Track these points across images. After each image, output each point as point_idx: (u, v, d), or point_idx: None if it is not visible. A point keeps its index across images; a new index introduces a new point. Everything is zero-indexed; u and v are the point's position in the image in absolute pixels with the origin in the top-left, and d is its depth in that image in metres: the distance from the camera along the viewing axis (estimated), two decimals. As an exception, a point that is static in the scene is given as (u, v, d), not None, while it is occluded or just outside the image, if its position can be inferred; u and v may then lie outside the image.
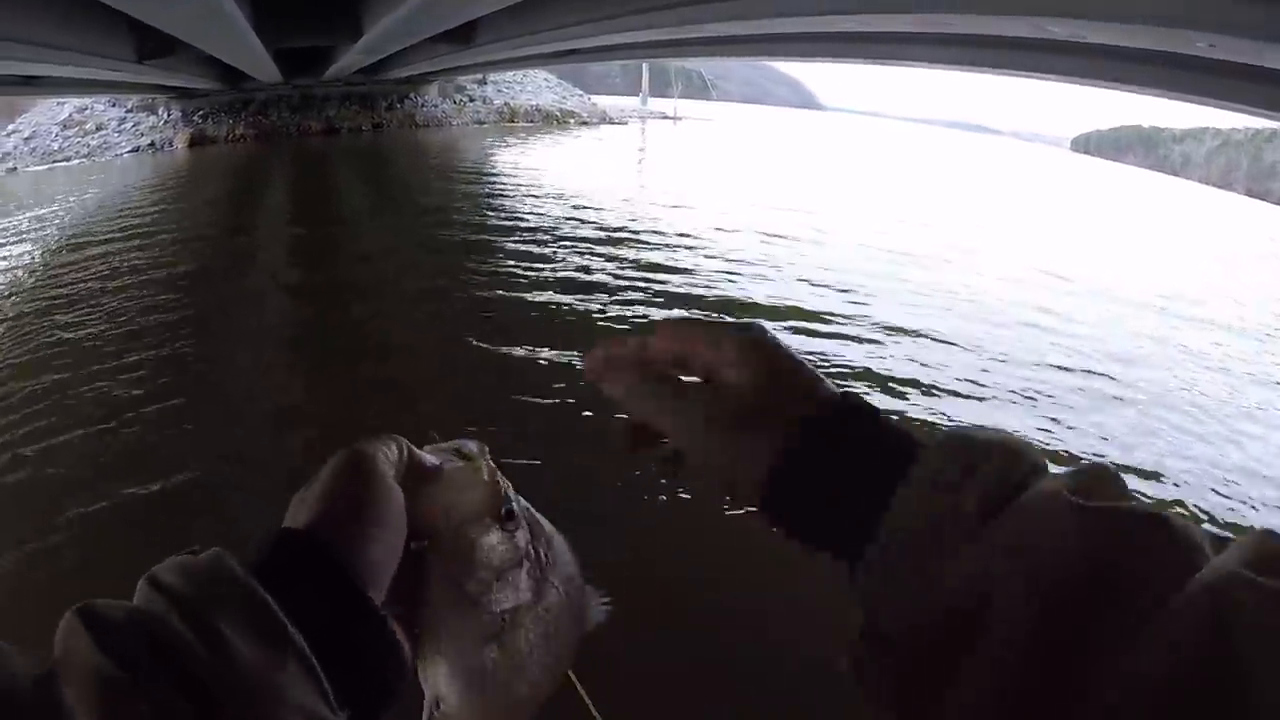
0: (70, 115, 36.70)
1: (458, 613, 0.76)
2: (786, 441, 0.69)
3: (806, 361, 0.74)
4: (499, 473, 0.80)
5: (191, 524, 5.90)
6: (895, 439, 0.68)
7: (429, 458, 0.78)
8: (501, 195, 20.03)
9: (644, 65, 56.35)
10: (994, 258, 15.68)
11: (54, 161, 34.02)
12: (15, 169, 33.08)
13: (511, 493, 0.80)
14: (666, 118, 56.58)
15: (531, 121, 42.69)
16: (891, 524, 0.64)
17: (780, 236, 15.72)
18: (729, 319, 0.77)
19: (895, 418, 0.71)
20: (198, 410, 8.07)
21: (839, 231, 16.37)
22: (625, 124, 46.31)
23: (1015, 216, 22.54)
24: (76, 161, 33.79)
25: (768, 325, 0.76)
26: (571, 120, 43.99)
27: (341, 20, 19.18)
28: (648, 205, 19.01)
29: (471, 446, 0.82)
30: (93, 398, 8.25)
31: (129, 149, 34.98)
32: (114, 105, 36.85)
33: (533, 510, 0.83)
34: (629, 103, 61.07)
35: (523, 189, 20.34)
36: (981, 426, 0.69)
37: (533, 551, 0.80)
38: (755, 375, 0.72)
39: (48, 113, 37.04)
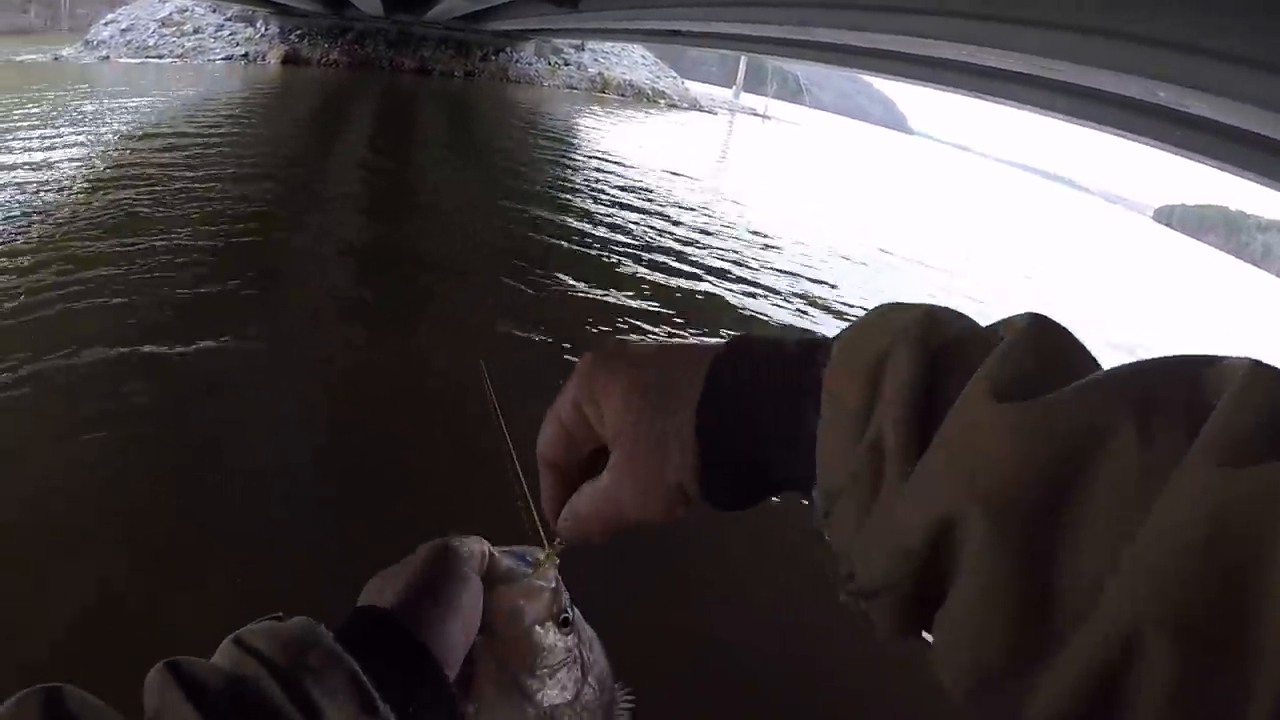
0: (170, 14, 37.52)
1: (511, 705, 0.79)
2: (696, 431, 0.62)
3: (664, 341, 0.71)
4: (560, 580, 0.82)
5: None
6: (796, 355, 0.61)
7: (506, 561, 0.80)
8: (582, 165, 19.92)
9: (742, 58, 56.16)
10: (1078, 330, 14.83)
11: (147, 56, 34.86)
12: (108, 57, 34.11)
13: (568, 600, 0.83)
14: (756, 114, 56.42)
15: (623, 95, 42.45)
16: (826, 468, 0.58)
17: (848, 259, 14.73)
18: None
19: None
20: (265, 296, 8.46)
21: (913, 265, 15.58)
22: (715, 114, 46.07)
23: (1102, 287, 21.47)
24: (169, 60, 34.59)
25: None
26: (662, 101, 43.70)
27: None
28: (723, 198, 18.62)
29: (539, 554, 0.83)
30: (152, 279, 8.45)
31: (222, 56, 35.62)
32: (214, 11, 37.35)
33: (579, 615, 0.85)
34: (721, 93, 60.99)
35: (605, 163, 20.17)
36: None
37: (578, 654, 0.82)
38: (629, 398, 0.65)
39: (148, 8, 38.05)
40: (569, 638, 0.82)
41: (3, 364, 6.22)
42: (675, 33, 23.14)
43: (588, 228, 12.80)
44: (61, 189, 11.95)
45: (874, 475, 0.55)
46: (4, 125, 16.48)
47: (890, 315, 0.58)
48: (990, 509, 0.50)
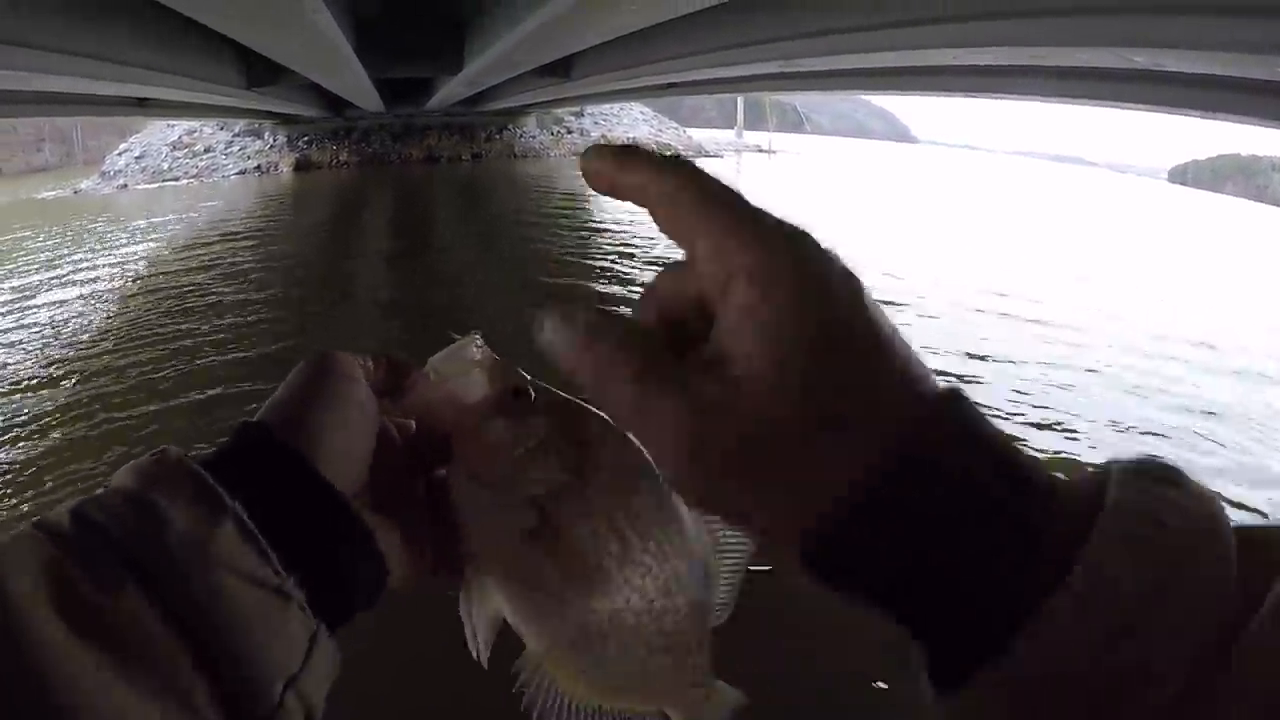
0: (180, 137, 38.18)
1: (480, 509, 0.72)
2: (865, 472, 0.42)
3: (876, 305, 0.46)
4: (494, 354, 0.75)
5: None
6: (1036, 483, 0.43)
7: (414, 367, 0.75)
8: (596, 227, 20.11)
9: (739, 99, 56.41)
10: (1105, 328, 12.49)
11: (163, 181, 35.50)
12: (126, 186, 34.88)
13: (521, 374, 0.75)
14: (761, 151, 56.44)
15: None
16: (1034, 650, 0.39)
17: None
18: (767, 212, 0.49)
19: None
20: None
21: (936, 292, 14.21)
22: (720, 157, 45.89)
23: (1120, 265, 20.10)
24: (185, 181, 35.26)
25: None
26: (667, 153, 43.38)
27: (444, 52, 19.61)
28: None
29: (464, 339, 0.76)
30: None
31: (235, 171, 36.21)
32: (222, 129, 37.96)
33: (565, 395, 0.74)
34: (723, 135, 61.15)
35: (620, 223, 20.36)
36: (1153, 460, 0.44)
37: (559, 432, 0.71)
38: (782, 349, 0.43)
39: (158, 134, 38.72)
40: (534, 416, 0.71)
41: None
42: (668, 85, 23.33)
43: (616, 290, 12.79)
44: (93, 313, 12.70)
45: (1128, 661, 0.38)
46: (36, 259, 17.54)
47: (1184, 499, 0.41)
48: None
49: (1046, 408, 8.69)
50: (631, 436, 0.69)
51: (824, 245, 0.47)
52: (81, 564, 0.49)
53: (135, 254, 18.24)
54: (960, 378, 8.47)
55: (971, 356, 10.46)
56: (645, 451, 0.69)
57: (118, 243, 20.14)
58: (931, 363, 0.45)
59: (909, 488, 0.41)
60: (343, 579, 0.62)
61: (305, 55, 14.18)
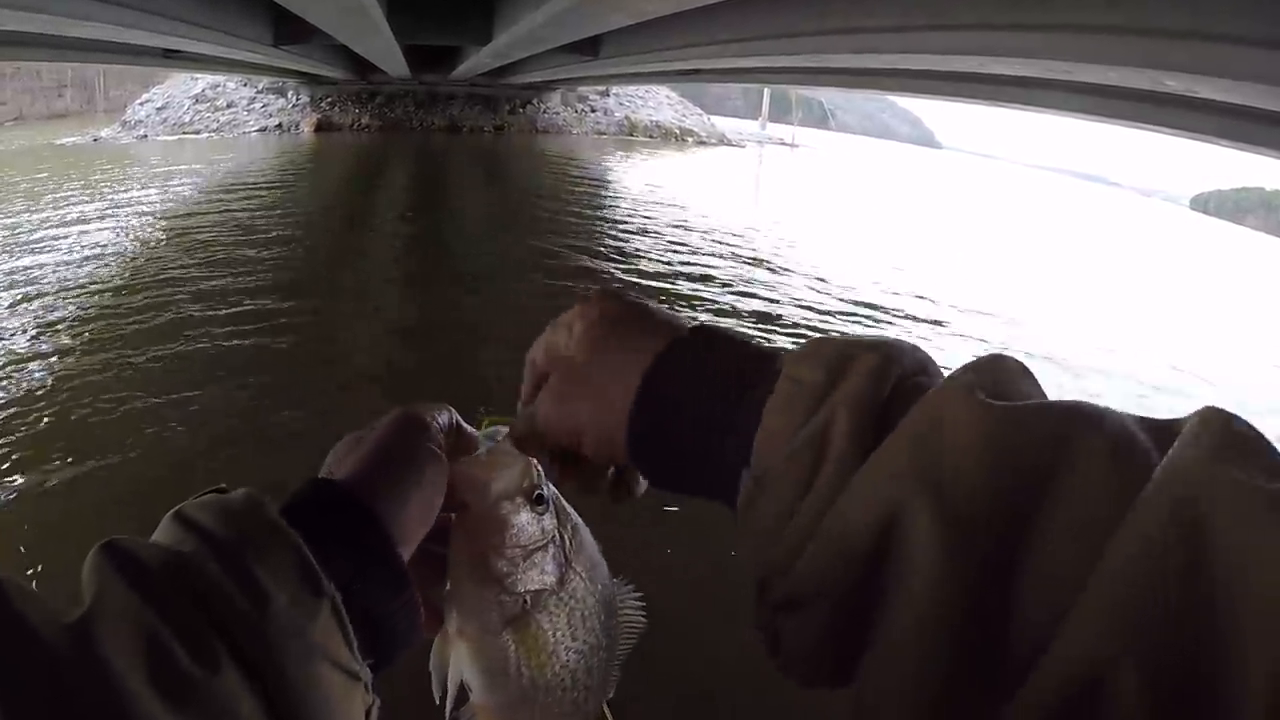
0: (203, 91, 38.29)
1: (481, 589, 0.76)
2: (642, 379, 0.68)
3: (658, 305, 0.74)
4: (534, 457, 0.79)
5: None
6: (756, 353, 0.66)
7: (473, 431, 0.80)
8: (618, 207, 20.21)
9: (765, 90, 56.19)
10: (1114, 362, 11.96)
11: (184, 133, 35.75)
12: (146, 136, 35.05)
13: (543, 477, 0.79)
14: (784, 144, 56.27)
15: (651, 137, 42.35)
16: (761, 449, 0.60)
17: (887, 311, 12.56)
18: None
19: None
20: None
21: (962, 315, 13.19)
22: (743, 147, 45.61)
23: (1143, 293, 19.39)
24: (205, 135, 35.44)
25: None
26: (690, 139, 43.49)
27: (473, 23, 19.54)
28: (763, 233, 18.21)
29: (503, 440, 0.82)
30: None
31: (256, 128, 36.41)
32: (245, 85, 38.12)
33: (560, 498, 0.81)
34: (747, 126, 60.94)
35: (641, 206, 20.29)
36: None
37: (558, 537, 0.79)
38: (595, 327, 0.72)
39: (181, 86, 38.82)
40: (545, 518, 0.77)
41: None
42: (695, 71, 23.23)
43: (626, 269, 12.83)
44: (109, 259, 12.84)
45: (817, 459, 0.56)
46: (53, 204, 17.65)
47: (854, 337, 0.62)
48: (949, 513, 0.49)
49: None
50: (586, 533, 0.82)
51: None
52: (179, 635, 0.48)
53: (152, 201, 18.53)
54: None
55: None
56: (602, 558, 0.83)
57: (135, 190, 20.37)
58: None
59: (672, 369, 0.67)
60: (394, 653, 0.64)
61: (337, 17, 14.14)
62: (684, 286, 12.56)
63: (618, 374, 0.69)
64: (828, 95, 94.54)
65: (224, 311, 10.09)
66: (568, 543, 0.79)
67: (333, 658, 0.54)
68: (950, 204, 33.72)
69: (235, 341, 9.11)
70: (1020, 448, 0.50)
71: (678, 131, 43.76)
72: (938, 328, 12.01)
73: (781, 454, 0.58)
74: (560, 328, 0.75)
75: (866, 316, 12.06)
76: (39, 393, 7.64)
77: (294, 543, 0.56)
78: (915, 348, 0.61)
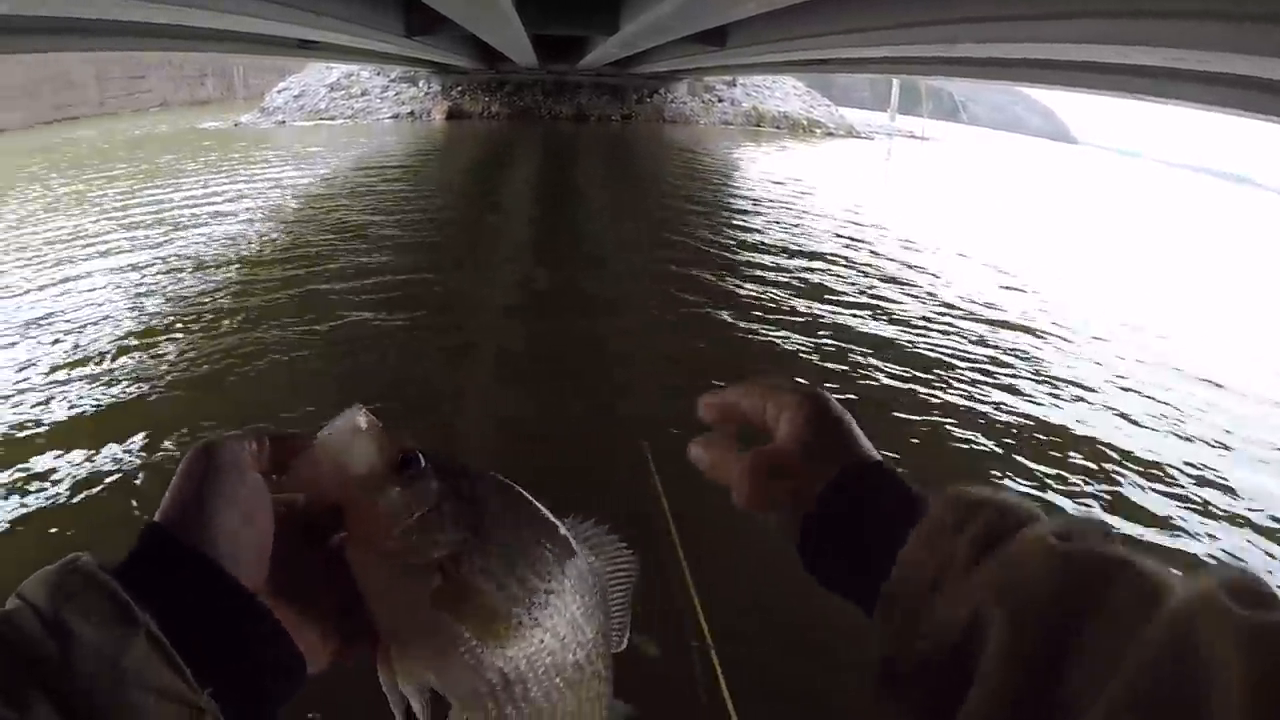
0: (337, 79, 39.69)
1: (382, 579, 0.73)
2: (820, 493, 0.79)
3: (852, 421, 0.85)
4: (379, 425, 0.76)
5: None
6: (911, 494, 0.78)
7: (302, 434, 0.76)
8: (741, 196, 20.05)
9: (894, 81, 55.52)
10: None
11: (319, 119, 37.37)
12: (284, 122, 36.84)
13: (409, 441, 0.77)
14: (913, 137, 55.49)
15: (778, 128, 41.92)
16: (901, 566, 0.72)
17: (1030, 330, 11.17)
18: (801, 382, 0.89)
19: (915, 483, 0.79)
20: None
21: (1108, 328, 11.94)
22: (871, 139, 44.84)
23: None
24: (340, 121, 37.02)
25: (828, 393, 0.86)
26: (818, 130, 42.94)
27: (600, 13, 19.68)
28: (891, 232, 17.32)
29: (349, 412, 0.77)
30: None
31: (389, 115, 37.61)
32: (378, 74, 39.24)
33: (454, 459, 0.79)
34: (876, 118, 60.12)
35: (764, 197, 20.09)
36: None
37: (452, 494, 0.75)
38: (800, 430, 0.83)
39: (316, 75, 40.40)
40: (422, 482, 0.74)
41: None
42: (822, 61, 23.02)
43: (757, 262, 12.64)
44: (255, 228, 13.89)
45: (940, 568, 0.69)
46: (201, 183, 19.01)
47: (983, 494, 0.74)
48: (1018, 618, 0.63)
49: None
50: (521, 490, 0.80)
51: (818, 391, 0.87)
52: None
53: (291, 180, 19.66)
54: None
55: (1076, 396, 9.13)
56: (536, 501, 0.81)
57: (274, 170, 21.60)
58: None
59: (851, 488, 0.79)
60: (259, 680, 0.64)
61: (467, 7, 14.34)
62: (807, 279, 12.27)
63: (810, 477, 0.81)
64: (958, 87, 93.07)
65: (355, 284, 10.55)
66: (476, 497, 0.76)
67: (154, 685, 0.54)
68: (1088, 203, 32.48)
69: (363, 314, 9.49)
70: (1073, 580, 0.63)
71: (805, 123, 43.20)
72: (1081, 343, 11.08)
73: (921, 562, 0.71)
74: (771, 403, 0.87)
75: (1005, 327, 11.22)
76: (188, 357, 8.25)
77: (99, 580, 0.57)
78: (1022, 503, 0.73)
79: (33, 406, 7.16)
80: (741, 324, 9.92)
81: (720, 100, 42.59)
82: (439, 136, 32.16)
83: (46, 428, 6.78)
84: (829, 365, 8.99)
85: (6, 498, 5.66)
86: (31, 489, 5.81)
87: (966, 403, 8.51)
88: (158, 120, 40.47)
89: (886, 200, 22.89)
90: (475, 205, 17.82)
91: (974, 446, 7.55)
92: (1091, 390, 9.28)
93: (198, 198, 17.02)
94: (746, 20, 16.03)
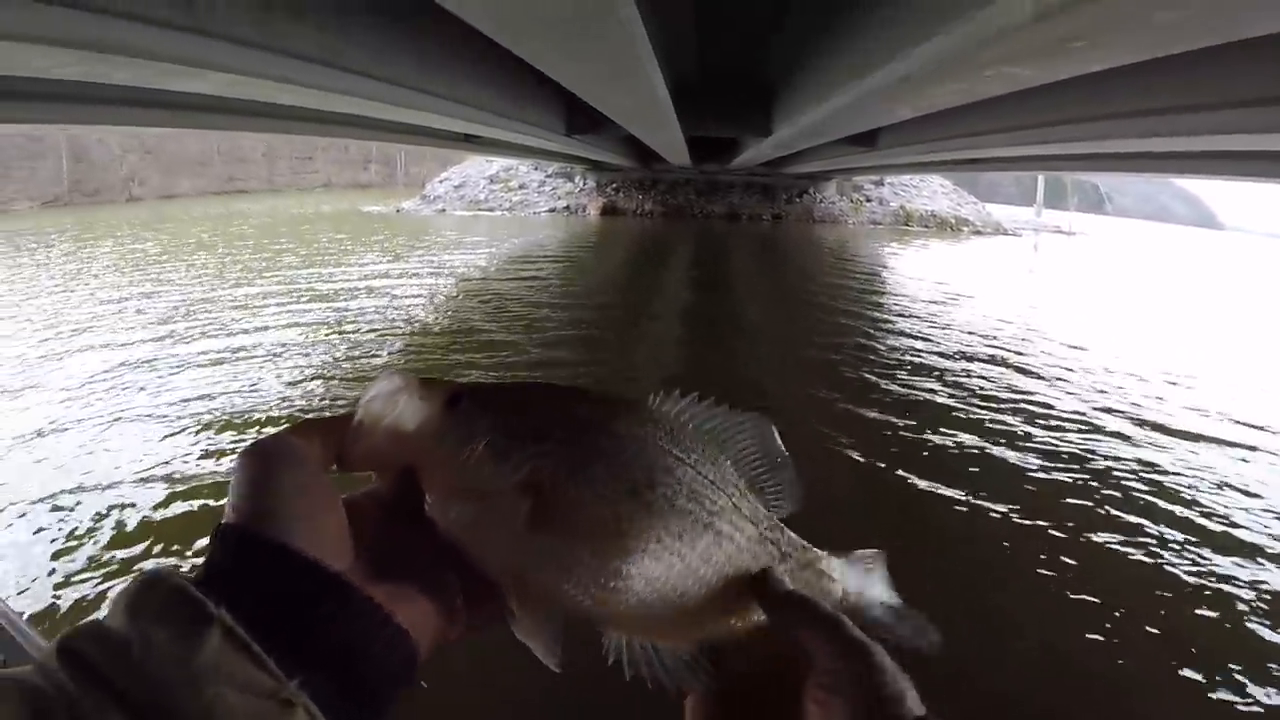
0: (497, 172, 41.55)
1: (476, 525, 0.72)
2: None
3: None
4: (415, 377, 0.76)
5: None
6: None
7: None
8: (888, 296, 20.11)
9: (1039, 176, 54.88)
10: None
11: (478, 209, 39.28)
12: (444, 210, 39.16)
13: (451, 382, 0.77)
14: (1060, 231, 54.70)
15: (926, 226, 41.62)
16: None
17: (1192, 435, 9.86)
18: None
19: None
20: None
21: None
22: (1019, 236, 44.12)
23: None
24: (498, 213, 38.71)
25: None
26: (965, 229, 42.55)
27: (754, 116, 20.15)
28: (1044, 335, 16.23)
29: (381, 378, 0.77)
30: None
31: (546, 209, 39.11)
32: (535, 169, 40.76)
33: (503, 382, 0.79)
34: (1022, 213, 59.33)
35: (910, 295, 20.05)
36: None
37: (513, 412, 0.74)
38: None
39: (476, 168, 42.31)
40: (480, 410, 0.74)
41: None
42: (972, 161, 22.98)
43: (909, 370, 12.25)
44: (420, 308, 14.88)
45: None
46: (370, 261, 20.85)
47: None
48: None
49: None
50: (579, 387, 0.80)
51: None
52: (68, 706, 0.50)
53: (454, 265, 21.13)
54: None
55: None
56: (601, 395, 0.80)
57: (438, 254, 23.36)
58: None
59: None
60: (356, 661, 0.62)
61: (632, 111, 14.90)
62: (958, 380, 11.97)
63: None
64: (1104, 178, 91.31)
65: (512, 360, 11.30)
66: (526, 410, 0.76)
67: (233, 679, 0.54)
68: (1240, 290, 31.57)
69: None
70: None
71: (953, 221, 42.83)
72: (1249, 452, 9.49)
73: None
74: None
75: (1161, 431, 10.04)
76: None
77: (173, 586, 0.57)
78: None
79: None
80: (891, 420, 9.73)
81: (868, 200, 42.51)
82: (595, 231, 32.91)
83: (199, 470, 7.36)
84: (971, 468, 8.41)
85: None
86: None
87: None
88: (321, 199, 43.21)
89: (1036, 299, 22.25)
90: (632, 298, 18.39)
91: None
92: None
93: (367, 274, 18.49)
94: (897, 122, 16.22)
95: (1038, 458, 8.71)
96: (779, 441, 0.86)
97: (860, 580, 0.87)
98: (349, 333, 12.66)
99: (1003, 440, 9.22)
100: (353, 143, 51.33)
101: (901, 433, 9.36)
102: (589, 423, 0.76)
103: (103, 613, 0.56)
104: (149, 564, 5.42)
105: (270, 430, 0.74)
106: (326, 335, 12.35)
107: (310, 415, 0.86)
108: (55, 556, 5.85)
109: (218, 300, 14.98)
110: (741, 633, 0.80)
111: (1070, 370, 13.04)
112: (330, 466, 0.73)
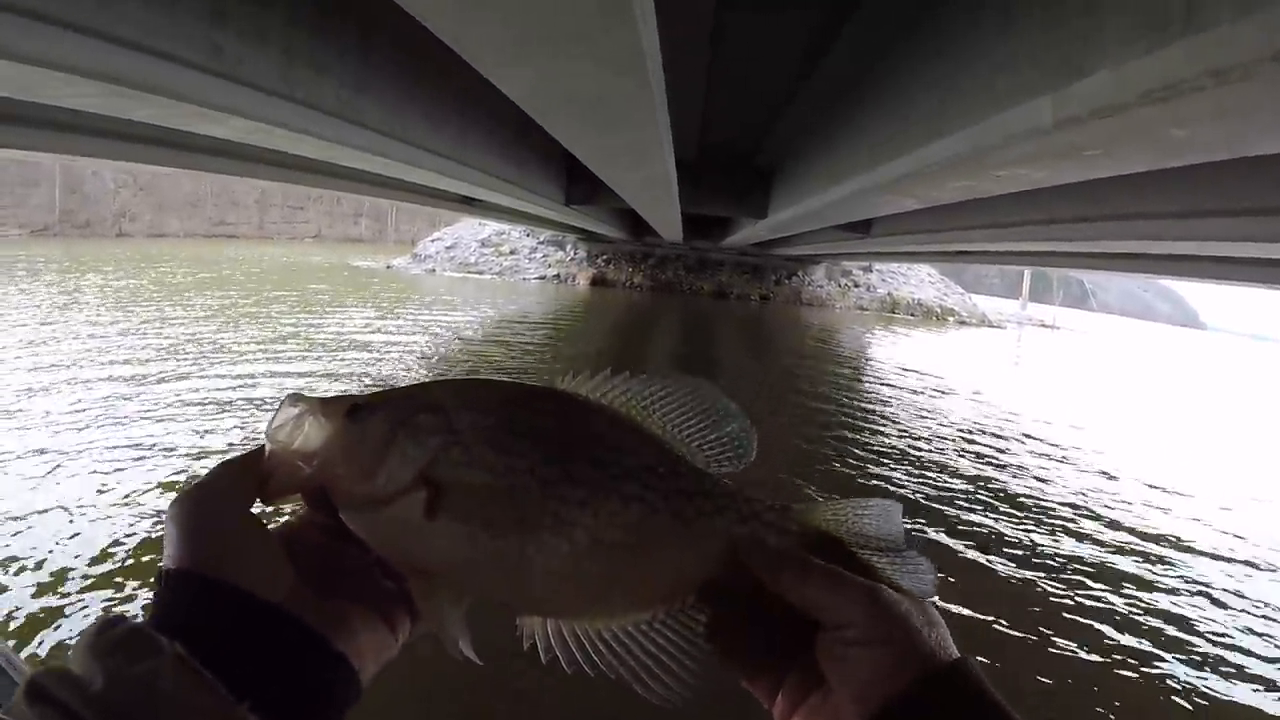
0: (489, 236, 41.68)
1: (382, 520, 0.73)
2: (884, 706, 0.69)
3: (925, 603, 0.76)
4: (314, 397, 0.76)
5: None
6: (1002, 712, 0.69)
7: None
8: (880, 386, 19.67)
9: (1025, 271, 55.34)
10: None
11: (469, 271, 39.54)
12: (434, 270, 39.39)
13: (352, 395, 0.76)
14: (1044, 325, 55.14)
15: (912, 315, 41.68)
16: None
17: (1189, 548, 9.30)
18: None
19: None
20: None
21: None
22: (1003, 328, 44.34)
23: None
24: (488, 276, 38.88)
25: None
26: (950, 318, 42.73)
27: (752, 197, 20.31)
28: (1038, 436, 15.15)
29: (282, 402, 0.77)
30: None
31: (536, 275, 39.26)
32: (528, 235, 40.92)
33: (413, 385, 0.79)
34: (1007, 306, 59.83)
35: (905, 385, 19.81)
36: None
37: (413, 411, 0.75)
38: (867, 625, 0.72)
39: (468, 230, 42.55)
40: (378, 415, 0.74)
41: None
42: (962, 253, 23.01)
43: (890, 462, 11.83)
44: (403, 365, 14.89)
45: None
46: (359, 316, 21.10)
47: None
48: None
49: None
50: (484, 378, 0.80)
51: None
52: None
53: (444, 324, 21.37)
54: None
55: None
56: (504, 382, 0.80)
57: (428, 314, 23.52)
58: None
59: (918, 710, 0.68)
60: (300, 686, 0.66)
61: (638, 187, 15.09)
62: (932, 475, 11.66)
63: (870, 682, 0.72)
64: (1089, 275, 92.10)
65: None
66: (428, 407, 0.76)
67: (189, 704, 0.56)
68: (1227, 392, 31.92)
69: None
70: None
71: (939, 310, 42.98)
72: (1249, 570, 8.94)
73: None
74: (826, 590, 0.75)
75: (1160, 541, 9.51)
76: None
77: (128, 625, 0.59)
78: None
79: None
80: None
81: (856, 285, 42.66)
82: (583, 301, 32.93)
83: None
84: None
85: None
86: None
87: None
88: (310, 250, 43.09)
89: (1021, 394, 21.89)
90: (618, 369, 18.12)
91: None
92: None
93: (356, 327, 18.79)
94: (892, 213, 16.34)
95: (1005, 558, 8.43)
96: (722, 398, 0.84)
97: (854, 532, 0.82)
98: (340, 379, 12.86)
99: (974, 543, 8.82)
100: (345, 196, 52.09)
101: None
102: (486, 408, 0.76)
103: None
104: (106, 597, 5.58)
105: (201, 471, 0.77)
106: (311, 384, 12.47)
107: (234, 456, 0.74)
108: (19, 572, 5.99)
109: (202, 340, 15.20)
110: (673, 599, 0.77)
111: (1046, 466, 12.84)
112: (254, 500, 0.74)
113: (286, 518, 0.79)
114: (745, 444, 0.83)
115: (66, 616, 5.34)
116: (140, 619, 0.62)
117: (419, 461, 0.72)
